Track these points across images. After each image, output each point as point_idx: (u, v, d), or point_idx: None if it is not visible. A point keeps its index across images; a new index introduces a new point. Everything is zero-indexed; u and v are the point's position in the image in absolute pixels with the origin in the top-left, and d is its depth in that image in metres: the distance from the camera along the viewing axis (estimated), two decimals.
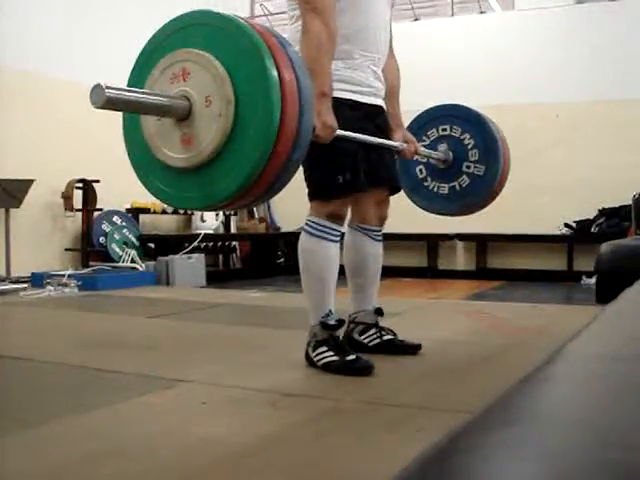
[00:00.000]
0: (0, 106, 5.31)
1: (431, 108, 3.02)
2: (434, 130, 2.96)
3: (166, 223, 7.00)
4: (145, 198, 6.43)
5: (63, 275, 4.87)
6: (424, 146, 2.92)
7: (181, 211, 6.59)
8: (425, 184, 2.99)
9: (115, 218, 6.07)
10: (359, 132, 2.26)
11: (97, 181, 5.78)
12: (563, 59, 6.47)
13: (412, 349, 2.55)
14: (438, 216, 3.01)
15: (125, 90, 1.63)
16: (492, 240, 6.65)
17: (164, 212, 6.46)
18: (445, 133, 2.95)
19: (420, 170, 2.96)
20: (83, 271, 5.30)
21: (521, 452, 0.34)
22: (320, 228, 2.27)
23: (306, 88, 1.67)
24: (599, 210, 6.30)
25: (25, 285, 4.79)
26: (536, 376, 0.49)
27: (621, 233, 5.72)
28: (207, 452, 1.49)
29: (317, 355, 2.23)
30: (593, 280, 4.67)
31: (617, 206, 6.19)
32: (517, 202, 6.53)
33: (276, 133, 1.60)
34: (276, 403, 1.85)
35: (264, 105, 1.60)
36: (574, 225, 6.38)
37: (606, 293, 1.85)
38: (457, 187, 2.96)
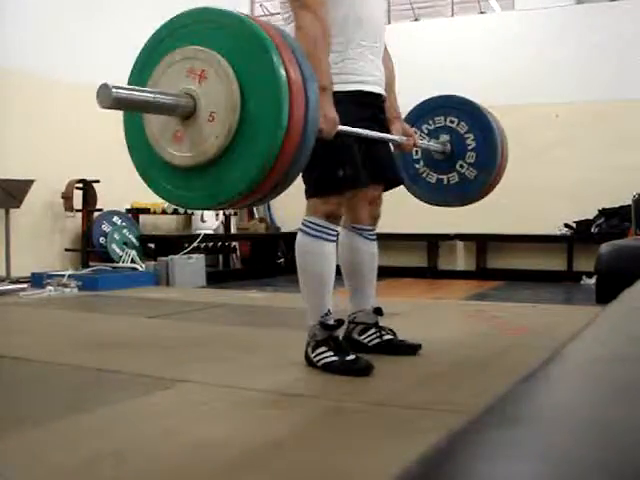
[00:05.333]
0: (0, 106, 5.31)
1: (450, 95, 3.01)
2: (442, 118, 2.95)
3: (166, 223, 7.00)
4: (145, 198, 6.43)
5: (63, 275, 4.88)
6: (428, 130, 2.93)
7: (181, 211, 6.58)
8: (419, 170, 3.00)
9: (115, 218, 6.07)
10: (359, 125, 2.25)
11: (97, 181, 5.78)
12: (563, 59, 6.47)
13: (412, 349, 2.55)
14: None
15: (132, 89, 1.61)
16: (492, 240, 6.66)
17: (164, 212, 6.45)
18: (452, 125, 2.94)
19: (417, 159, 2.96)
20: (83, 271, 5.30)
21: (521, 452, 0.34)
22: (317, 228, 2.26)
23: (312, 84, 1.66)
24: (599, 210, 6.30)
25: (25, 285, 4.78)
26: (536, 376, 0.49)
27: (621, 233, 5.72)
28: (207, 452, 1.49)
29: (317, 355, 2.23)
30: (593, 280, 4.67)
31: (617, 206, 6.19)
32: (517, 202, 6.53)
33: (284, 131, 1.59)
34: (276, 403, 1.85)
35: (273, 105, 1.59)
36: (574, 225, 6.38)
37: (606, 293, 1.85)
38: (445, 181, 2.97)
